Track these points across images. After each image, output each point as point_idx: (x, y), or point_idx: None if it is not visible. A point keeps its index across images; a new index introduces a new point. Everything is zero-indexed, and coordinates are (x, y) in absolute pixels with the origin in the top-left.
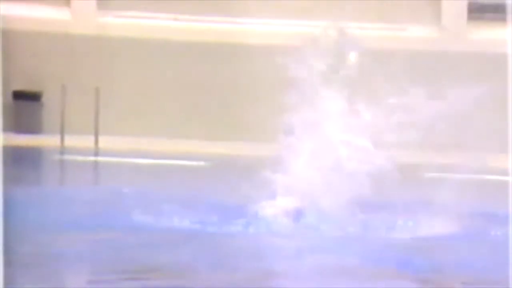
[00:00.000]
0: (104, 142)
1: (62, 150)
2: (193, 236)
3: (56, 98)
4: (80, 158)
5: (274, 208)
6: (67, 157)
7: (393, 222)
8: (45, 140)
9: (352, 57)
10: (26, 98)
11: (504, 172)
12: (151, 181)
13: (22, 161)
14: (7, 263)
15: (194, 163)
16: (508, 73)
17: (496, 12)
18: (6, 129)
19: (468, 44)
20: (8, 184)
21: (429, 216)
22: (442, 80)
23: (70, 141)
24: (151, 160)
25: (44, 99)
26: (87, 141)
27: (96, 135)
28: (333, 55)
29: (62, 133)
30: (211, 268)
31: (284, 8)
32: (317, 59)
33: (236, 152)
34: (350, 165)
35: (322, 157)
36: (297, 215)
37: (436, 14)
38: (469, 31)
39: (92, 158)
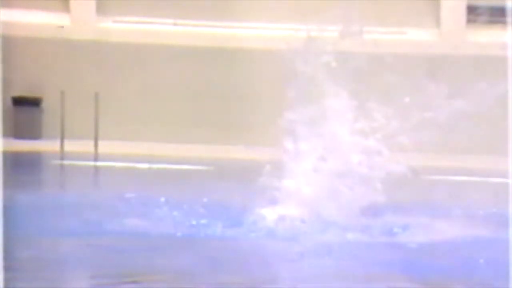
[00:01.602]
0: (104, 147)
1: (62, 155)
2: (194, 240)
3: (56, 103)
4: (80, 163)
5: (276, 213)
6: (67, 162)
7: (399, 226)
8: (45, 145)
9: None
10: (26, 104)
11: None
12: (151, 186)
13: (22, 166)
14: (6, 268)
15: (195, 167)
16: (508, 75)
17: (494, 15)
18: (6, 134)
19: (467, 47)
20: (8, 189)
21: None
22: (442, 83)
23: (70, 146)
24: (151, 165)
25: (43, 104)
26: (86, 146)
27: (96, 140)
28: (333, 57)
29: (61, 138)
30: (211, 272)
31: (283, 12)
32: (318, 61)
33: (237, 156)
34: (354, 168)
35: (321, 160)
36: (299, 220)
37: (435, 18)
38: (468, 34)
39: (92, 163)
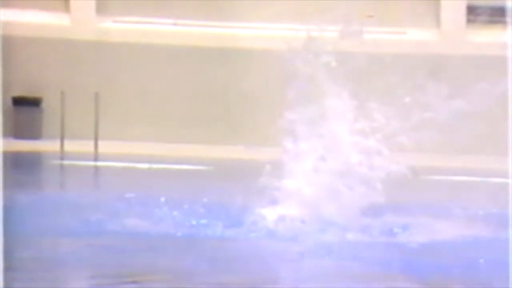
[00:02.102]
0: (104, 147)
1: (62, 155)
2: (194, 240)
3: (56, 103)
4: (80, 163)
5: (276, 213)
6: (67, 162)
7: (399, 226)
8: (45, 146)
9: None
10: (26, 104)
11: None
12: (151, 186)
13: (22, 166)
14: (6, 268)
15: (195, 167)
16: (508, 75)
17: (494, 15)
18: (6, 134)
19: (467, 47)
20: (8, 189)
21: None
22: (442, 83)
23: (70, 146)
24: (151, 165)
25: (44, 104)
26: (87, 146)
27: (96, 140)
28: (333, 57)
29: (61, 139)
30: (211, 272)
31: (283, 12)
32: (318, 61)
33: (237, 156)
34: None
35: (321, 160)
36: (299, 220)
37: (435, 18)
38: (468, 34)
39: (92, 163)
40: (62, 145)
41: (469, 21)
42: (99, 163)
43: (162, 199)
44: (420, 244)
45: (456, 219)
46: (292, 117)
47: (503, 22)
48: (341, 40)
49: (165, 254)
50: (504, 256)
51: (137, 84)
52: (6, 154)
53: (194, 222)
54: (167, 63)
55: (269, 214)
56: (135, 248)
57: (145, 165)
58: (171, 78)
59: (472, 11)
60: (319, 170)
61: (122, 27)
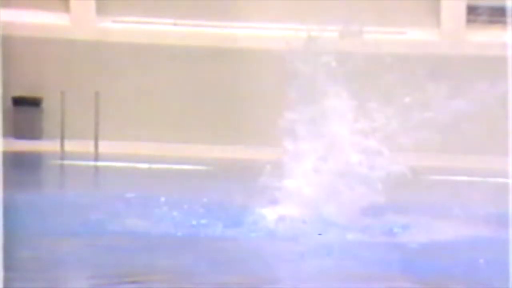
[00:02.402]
0: (104, 147)
1: (62, 155)
2: (194, 240)
3: (56, 103)
4: (80, 163)
5: (276, 213)
6: (67, 162)
7: (399, 226)
8: (45, 146)
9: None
10: (26, 104)
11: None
12: (151, 186)
13: (22, 166)
14: (6, 268)
15: (195, 167)
16: (508, 75)
17: (494, 15)
18: (6, 134)
19: (467, 47)
20: (8, 189)
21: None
22: (442, 83)
23: (70, 146)
24: (151, 165)
25: (44, 104)
26: (87, 146)
27: (96, 140)
28: (333, 57)
29: (62, 139)
30: (211, 272)
31: (283, 12)
32: (318, 61)
33: (237, 156)
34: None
35: (321, 160)
36: (299, 220)
37: (435, 18)
38: (468, 34)
39: (92, 163)
40: (62, 145)
41: (469, 21)
42: (99, 163)
43: (162, 199)
44: (420, 244)
45: (456, 219)
46: (292, 117)
47: (503, 22)
48: (341, 40)
49: (165, 254)
50: (504, 256)
51: (137, 84)
52: (6, 154)
53: (194, 222)
54: (167, 63)
55: (269, 214)
56: (135, 248)
57: (145, 165)
58: (171, 78)
59: (472, 11)
60: (319, 170)
61: (122, 27)
